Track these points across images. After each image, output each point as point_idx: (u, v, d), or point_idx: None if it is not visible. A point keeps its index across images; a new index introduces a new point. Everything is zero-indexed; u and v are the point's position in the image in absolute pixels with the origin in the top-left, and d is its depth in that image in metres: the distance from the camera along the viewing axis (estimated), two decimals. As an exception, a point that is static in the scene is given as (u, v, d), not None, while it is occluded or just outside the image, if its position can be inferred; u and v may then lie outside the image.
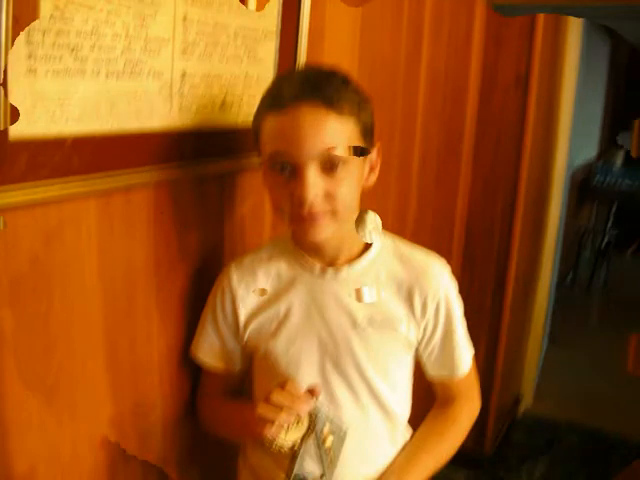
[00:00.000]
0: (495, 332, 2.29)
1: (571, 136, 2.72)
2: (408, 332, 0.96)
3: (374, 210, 0.95)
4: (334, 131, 0.82)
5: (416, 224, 1.86)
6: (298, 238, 0.96)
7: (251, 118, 0.90)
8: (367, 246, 0.97)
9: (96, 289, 0.82)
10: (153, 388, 0.96)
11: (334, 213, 0.85)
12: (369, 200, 0.99)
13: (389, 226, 1.03)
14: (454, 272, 1.01)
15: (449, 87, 1.90)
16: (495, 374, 2.31)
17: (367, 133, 0.87)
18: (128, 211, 0.85)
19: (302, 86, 0.83)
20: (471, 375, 1.05)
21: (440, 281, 0.97)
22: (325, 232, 0.87)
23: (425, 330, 0.98)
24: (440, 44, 1.78)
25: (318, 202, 0.83)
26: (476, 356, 1.05)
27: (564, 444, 2.63)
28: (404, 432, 1.04)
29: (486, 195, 2.21)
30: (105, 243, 0.82)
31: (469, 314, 1.03)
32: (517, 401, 2.83)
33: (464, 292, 1.05)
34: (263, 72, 1.04)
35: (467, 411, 1.06)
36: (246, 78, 1.00)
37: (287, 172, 0.83)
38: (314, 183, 0.82)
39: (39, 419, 0.77)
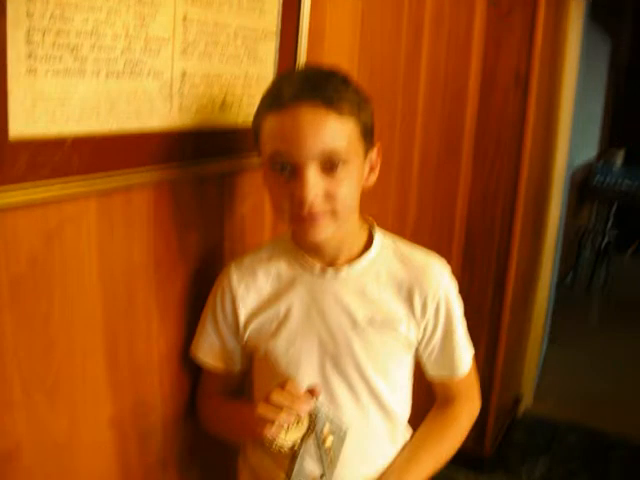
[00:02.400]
0: (495, 332, 2.29)
1: (571, 136, 2.73)
2: (408, 332, 0.96)
3: (374, 210, 0.95)
4: (334, 131, 0.82)
5: (416, 224, 1.86)
6: (298, 238, 0.96)
7: (251, 118, 0.90)
8: (367, 246, 0.97)
9: (96, 289, 0.82)
10: (153, 388, 0.96)
11: (334, 213, 0.85)
12: (369, 200, 0.99)
13: (389, 226, 1.03)
14: (454, 272, 1.01)
15: (449, 87, 1.90)
16: (495, 374, 2.31)
17: (367, 133, 0.87)
18: (128, 211, 0.85)
19: (302, 86, 0.83)
20: (471, 375, 1.05)
21: (440, 281, 0.97)
22: (325, 232, 0.87)
23: (425, 330, 0.98)
24: (440, 44, 1.78)
25: (318, 202, 0.83)
26: (476, 356, 1.05)
27: (564, 444, 2.63)
28: (404, 432, 1.04)
29: (486, 195, 2.21)
30: (105, 243, 0.82)
31: (469, 314, 1.03)
32: (517, 401, 2.84)
33: (464, 292, 1.05)
34: (263, 72, 1.04)
35: (467, 411, 1.06)
36: (246, 78, 1.00)
37: (287, 172, 0.83)
38: (314, 183, 0.82)
39: (40, 420, 0.77)
